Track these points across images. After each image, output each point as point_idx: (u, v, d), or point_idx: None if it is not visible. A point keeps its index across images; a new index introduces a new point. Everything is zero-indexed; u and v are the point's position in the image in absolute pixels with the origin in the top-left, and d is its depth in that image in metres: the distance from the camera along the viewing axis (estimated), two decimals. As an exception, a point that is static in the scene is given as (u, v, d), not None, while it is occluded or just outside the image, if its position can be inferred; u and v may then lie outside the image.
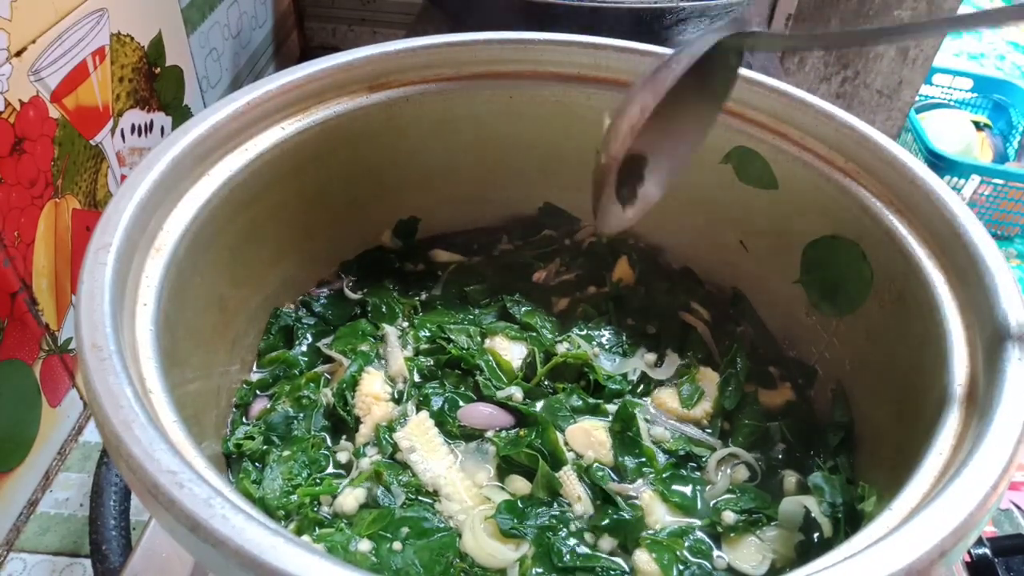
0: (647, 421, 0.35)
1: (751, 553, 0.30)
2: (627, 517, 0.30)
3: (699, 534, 0.30)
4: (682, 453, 0.34)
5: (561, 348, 0.38)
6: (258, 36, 0.75)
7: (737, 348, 0.38)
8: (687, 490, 0.32)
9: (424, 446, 0.32)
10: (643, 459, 0.33)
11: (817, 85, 0.67)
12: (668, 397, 0.36)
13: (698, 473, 0.33)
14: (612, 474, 0.33)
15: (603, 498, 0.31)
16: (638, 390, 0.37)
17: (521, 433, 0.34)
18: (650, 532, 0.30)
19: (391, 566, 0.28)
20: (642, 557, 0.29)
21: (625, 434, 0.33)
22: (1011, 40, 1.19)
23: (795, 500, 0.30)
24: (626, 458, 0.33)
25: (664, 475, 0.32)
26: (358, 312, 0.40)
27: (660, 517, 0.31)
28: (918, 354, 0.29)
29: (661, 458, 0.33)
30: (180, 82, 0.60)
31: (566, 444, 0.33)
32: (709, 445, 0.34)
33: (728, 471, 0.33)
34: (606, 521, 0.30)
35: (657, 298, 0.42)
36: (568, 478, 0.31)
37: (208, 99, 0.65)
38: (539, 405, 0.35)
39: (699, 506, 0.31)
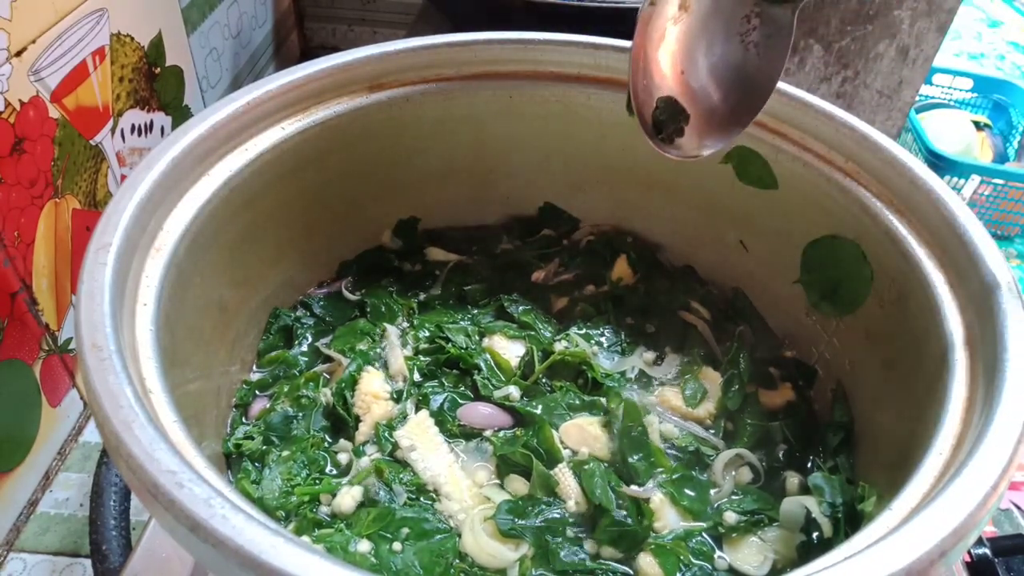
0: (659, 419, 0.35)
1: (752, 554, 0.30)
2: (630, 526, 0.29)
3: (701, 535, 0.30)
4: (691, 449, 0.33)
5: (559, 347, 0.38)
6: (258, 36, 0.75)
7: (739, 347, 0.38)
8: (697, 493, 0.31)
9: (424, 445, 0.32)
10: (652, 459, 0.32)
11: (817, 85, 0.67)
12: (672, 395, 0.36)
13: (706, 475, 0.33)
14: (610, 472, 0.32)
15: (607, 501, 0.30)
16: (636, 388, 0.37)
17: (518, 433, 0.34)
18: (655, 536, 0.30)
19: (391, 567, 0.28)
20: (646, 560, 0.29)
21: (631, 433, 0.33)
22: (1011, 40, 1.19)
23: (796, 500, 0.30)
24: (634, 457, 0.32)
25: (674, 476, 0.32)
26: (357, 313, 0.40)
27: (669, 521, 0.30)
28: (918, 354, 0.29)
29: (670, 457, 0.33)
30: (180, 82, 0.60)
31: (561, 442, 0.33)
32: (713, 445, 0.34)
33: (733, 473, 0.33)
34: (609, 531, 0.29)
35: (656, 297, 0.42)
36: (563, 475, 0.31)
37: (208, 99, 0.65)
38: (536, 404, 0.35)
39: (707, 509, 0.31)
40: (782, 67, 0.29)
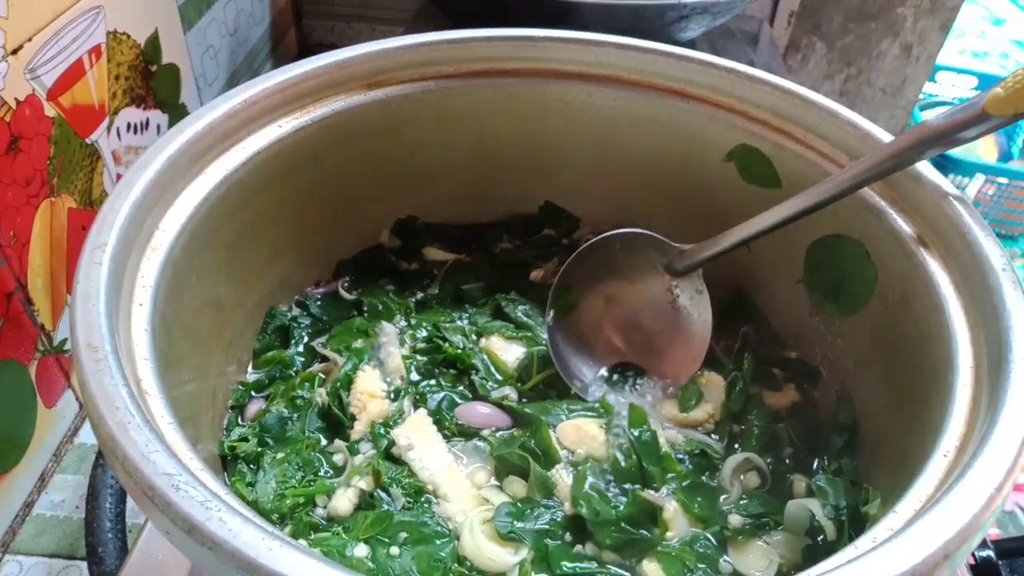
0: (661, 425, 0.34)
1: (758, 558, 0.29)
2: (639, 535, 0.29)
3: (706, 539, 0.30)
4: (697, 452, 0.33)
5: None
6: (255, 33, 0.75)
7: (743, 348, 0.38)
8: (707, 499, 0.31)
9: (422, 444, 0.32)
10: (663, 464, 0.32)
11: (820, 83, 0.66)
12: (669, 405, 0.35)
13: (715, 480, 0.32)
14: (607, 472, 0.32)
15: (611, 506, 0.30)
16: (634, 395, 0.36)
17: (515, 433, 0.33)
18: (663, 544, 0.29)
19: (388, 571, 0.27)
20: (650, 566, 0.28)
21: (642, 437, 0.32)
22: (1015, 38, 1.19)
23: (799, 503, 0.30)
24: (647, 462, 0.32)
25: (685, 483, 0.31)
26: (354, 313, 0.40)
27: (680, 531, 0.30)
28: (922, 355, 0.29)
29: (680, 463, 0.32)
30: (177, 80, 0.60)
31: (558, 441, 0.33)
32: (716, 449, 0.34)
33: (741, 478, 0.33)
34: (615, 538, 0.29)
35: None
36: (561, 477, 0.31)
37: (205, 97, 0.64)
38: (534, 405, 0.34)
39: (716, 516, 0.31)
40: (710, 312, 0.35)
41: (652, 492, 0.31)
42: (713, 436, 0.35)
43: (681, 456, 0.33)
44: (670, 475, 0.32)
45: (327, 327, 0.39)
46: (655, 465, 0.32)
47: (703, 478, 0.32)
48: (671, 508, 0.30)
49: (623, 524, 0.29)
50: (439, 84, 0.38)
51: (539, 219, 0.45)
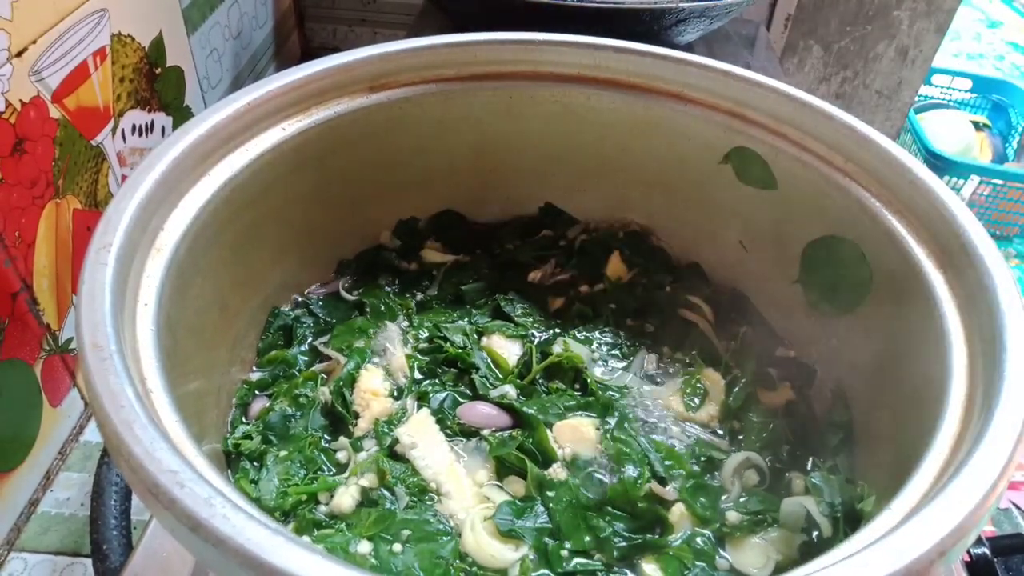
0: (663, 429, 0.34)
1: (756, 555, 0.29)
2: (641, 541, 0.29)
3: (705, 536, 0.30)
4: (704, 457, 0.33)
5: (557, 349, 0.37)
6: (259, 36, 0.75)
7: (742, 348, 0.38)
8: (709, 500, 0.31)
9: (425, 443, 0.32)
10: (670, 461, 0.32)
11: (816, 85, 0.67)
12: (674, 402, 0.36)
13: (716, 480, 0.32)
14: (602, 475, 0.32)
15: (608, 520, 0.30)
16: (641, 392, 0.37)
17: (513, 434, 0.33)
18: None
19: (391, 568, 0.28)
20: (649, 567, 0.29)
21: (651, 435, 0.32)
22: (1010, 40, 1.19)
23: (795, 501, 0.30)
24: (653, 458, 0.32)
25: (689, 483, 0.31)
26: (356, 313, 0.40)
27: (682, 532, 0.30)
28: (917, 354, 0.29)
29: (688, 462, 0.33)
30: (181, 82, 0.60)
31: (555, 441, 0.33)
32: (719, 447, 0.34)
33: (741, 475, 0.33)
34: (621, 552, 0.29)
35: (655, 293, 0.41)
36: (558, 476, 0.31)
37: (209, 99, 0.65)
38: (532, 404, 0.35)
39: (717, 516, 0.31)
40: None
41: (659, 486, 0.30)
42: (718, 433, 0.35)
43: (690, 458, 0.33)
44: (677, 472, 0.32)
45: (329, 327, 0.39)
46: (664, 462, 0.32)
47: (705, 479, 0.32)
48: (677, 511, 0.30)
49: (624, 535, 0.29)
50: (440, 87, 0.38)
51: (539, 220, 0.45)
